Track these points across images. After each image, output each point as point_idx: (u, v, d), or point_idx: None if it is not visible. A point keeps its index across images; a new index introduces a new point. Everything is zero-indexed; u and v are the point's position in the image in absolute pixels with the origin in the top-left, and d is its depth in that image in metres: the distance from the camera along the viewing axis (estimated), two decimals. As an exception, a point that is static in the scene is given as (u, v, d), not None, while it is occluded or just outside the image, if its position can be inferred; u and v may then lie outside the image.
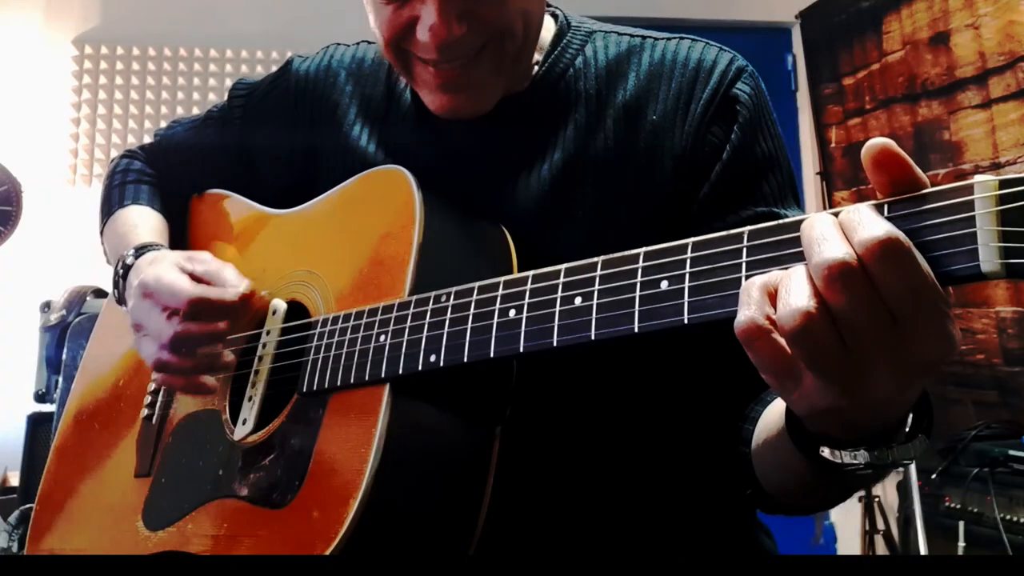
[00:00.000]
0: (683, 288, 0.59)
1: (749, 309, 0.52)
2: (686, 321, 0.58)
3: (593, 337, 0.64)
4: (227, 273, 0.89)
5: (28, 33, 3.29)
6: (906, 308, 0.48)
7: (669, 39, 0.91)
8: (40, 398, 2.42)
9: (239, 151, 1.08)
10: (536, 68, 0.91)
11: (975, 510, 2.27)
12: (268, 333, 0.90)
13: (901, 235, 0.48)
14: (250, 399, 0.88)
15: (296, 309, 0.91)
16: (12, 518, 2.20)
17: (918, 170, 0.51)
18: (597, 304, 0.64)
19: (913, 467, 2.32)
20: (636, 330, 0.61)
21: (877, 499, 2.92)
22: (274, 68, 1.10)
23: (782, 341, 0.51)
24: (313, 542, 0.71)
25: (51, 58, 3.31)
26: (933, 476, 2.39)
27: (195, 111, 3.36)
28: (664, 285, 0.60)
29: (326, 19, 3.46)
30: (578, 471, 0.86)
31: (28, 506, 2.13)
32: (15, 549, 2.13)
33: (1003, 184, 0.47)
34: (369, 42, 1.04)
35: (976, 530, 2.26)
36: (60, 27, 3.32)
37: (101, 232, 1.13)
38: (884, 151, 0.50)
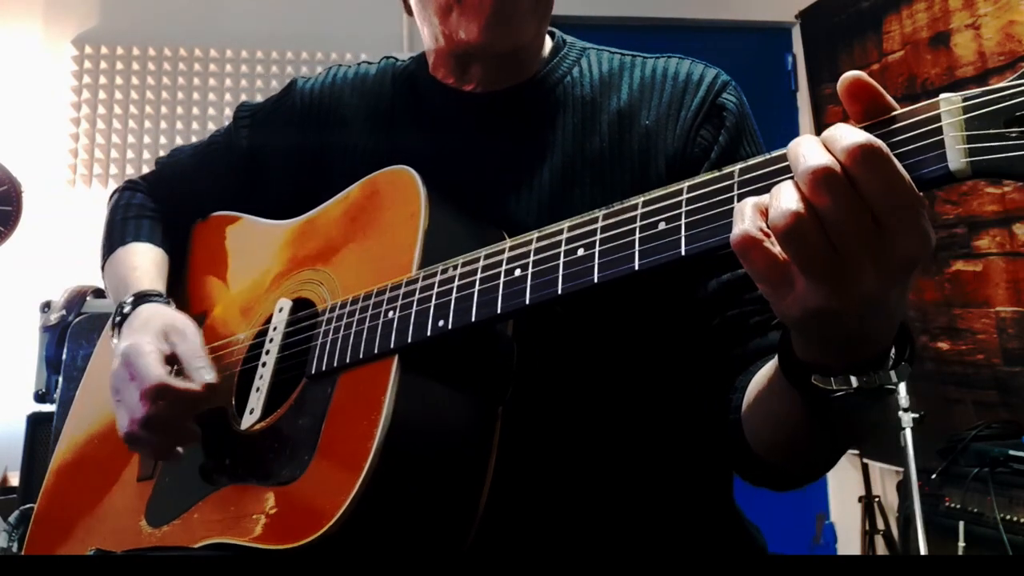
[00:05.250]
0: (680, 225, 0.62)
1: (743, 223, 0.56)
2: (683, 253, 0.62)
3: (596, 280, 0.66)
4: (197, 361, 0.90)
5: (28, 33, 3.29)
6: (884, 206, 0.52)
7: (658, 58, 0.99)
8: (40, 398, 2.42)
9: (247, 169, 1.10)
10: (537, 72, 0.98)
11: (975, 510, 2.27)
12: (275, 329, 0.91)
13: (878, 141, 0.53)
14: (257, 389, 0.89)
15: (303, 306, 0.92)
16: (12, 518, 2.19)
17: (889, 98, 0.56)
18: (599, 251, 0.66)
19: (913, 467, 2.32)
20: (636, 268, 0.64)
21: (877, 499, 2.92)
22: (275, 68, 1.11)
23: (775, 249, 0.55)
24: (322, 509, 0.72)
25: (51, 58, 3.31)
26: (933, 476, 2.39)
27: (195, 111, 3.38)
28: (662, 225, 0.63)
29: (325, 20, 3.46)
30: (575, 453, 0.88)
31: (28, 506, 2.12)
32: (15, 549, 2.13)
33: (966, 98, 0.53)
34: (369, 62, 1.08)
35: (976, 530, 2.26)
36: (60, 27, 3.32)
37: (102, 268, 1.15)
38: (857, 82, 0.56)
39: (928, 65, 2.87)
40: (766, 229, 0.55)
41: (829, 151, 0.54)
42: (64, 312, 2.35)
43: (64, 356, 2.17)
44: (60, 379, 2.25)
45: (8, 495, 2.54)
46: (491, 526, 0.77)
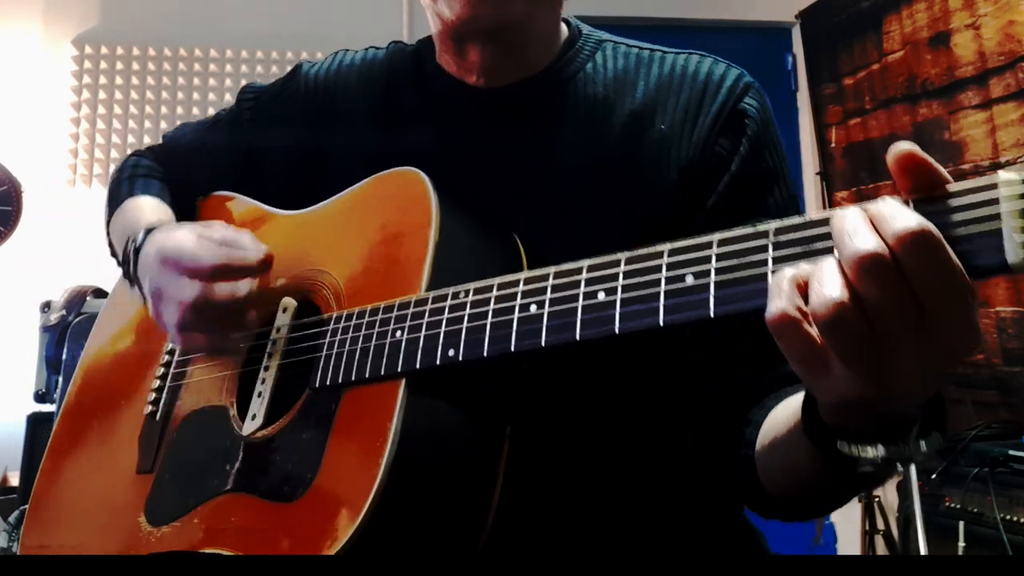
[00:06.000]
0: (709, 282, 0.59)
1: (780, 300, 0.53)
2: (712, 314, 0.59)
3: (617, 331, 0.63)
4: (245, 238, 0.89)
5: (28, 33, 3.30)
6: (934, 298, 0.49)
7: (678, 54, 0.93)
8: (40, 398, 2.42)
9: (248, 153, 1.07)
10: (547, 67, 0.94)
11: (975, 510, 2.27)
12: (278, 330, 0.90)
13: (932, 227, 0.49)
14: (259, 395, 0.88)
15: (307, 307, 0.90)
16: (12, 518, 2.20)
17: (941, 170, 0.52)
18: (621, 299, 0.64)
19: (913, 467, 2.32)
20: (661, 323, 0.61)
21: (877, 499, 2.92)
22: (275, 68, 1.11)
23: (813, 331, 0.52)
24: (325, 536, 0.71)
25: (51, 58, 3.31)
26: (933, 476, 2.39)
27: (195, 111, 3.38)
28: (690, 280, 0.60)
29: (325, 20, 3.46)
30: (583, 471, 0.87)
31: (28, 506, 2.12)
32: (15, 549, 2.13)
33: None
34: (376, 47, 1.05)
35: (976, 530, 2.26)
36: (60, 27, 3.33)
37: (107, 224, 1.12)
38: (910, 157, 0.51)
39: (928, 65, 2.87)
40: (804, 308, 0.52)
41: (877, 230, 0.50)
42: (64, 312, 2.35)
43: (64, 356, 2.17)
44: (60, 379, 2.26)
45: (8, 495, 2.54)
46: (497, 547, 0.76)
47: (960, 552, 2.26)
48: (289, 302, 0.91)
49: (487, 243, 0.85)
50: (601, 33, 0.98)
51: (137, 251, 0.96)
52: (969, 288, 0.49)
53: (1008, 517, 2.17)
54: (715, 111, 0.87)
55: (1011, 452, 2.24)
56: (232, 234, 0.90)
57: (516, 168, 0.91)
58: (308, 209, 0.98)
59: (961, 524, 2.29)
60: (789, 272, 0.54)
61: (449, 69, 0.96)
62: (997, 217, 0.49)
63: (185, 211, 1.12)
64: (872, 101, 3.14)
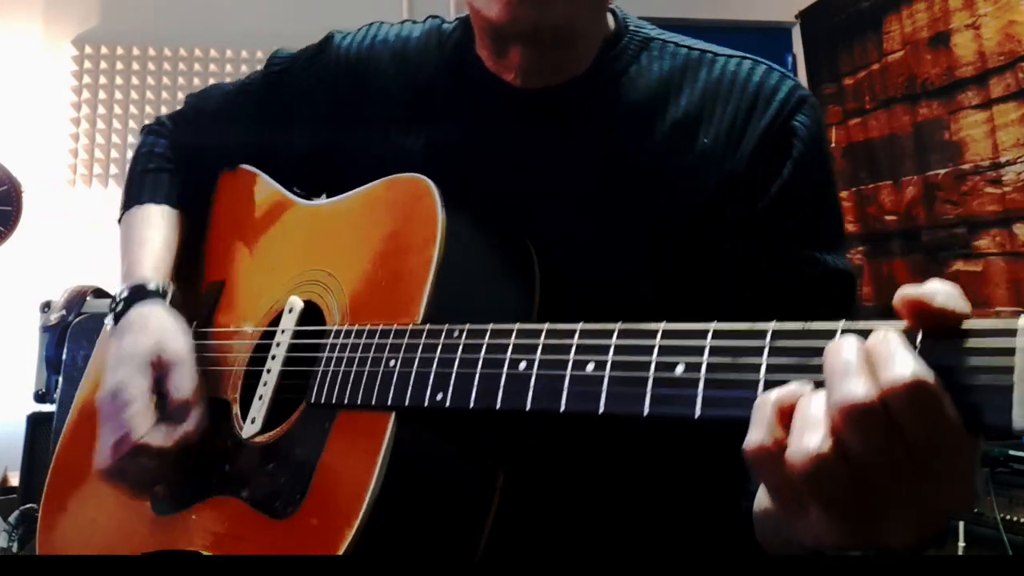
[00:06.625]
0: (698, 378, 0.56)
1: (760, 430, 0.49)
2: (696, 416, 0.56)
3: (601, 411, 0.62)
4: (180, 408, 0.88)
5: (28, 33, 3.30)
6: (925, 454, 0.45)
7: (730, 57, 0.88)
8: (40, 398, 2.42)
9: (273, 125, 1.05)
10: (590, 68, 0.90)
11: (975, 510, 2.27)
12: (283, 332, 0.91)
13: (929, 378, 0.44)
14: (260, 397, 0.88)
15: (311, 308, 0.91)
16: (12, 518, 2.20)
17: (956, 309, 0.46)
18: (609, 376, 0.62)
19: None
20: (645, 414, 0.59)
21: (877, 499, 2.92)
22: (275, 69, 1.09)
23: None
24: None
25: (51, 58, 3.32)
26: (933, 476, 2.38)
27: (195, 111, 3.39)
28: (679, 371, 0.58)
29: (326, 20, 3.46)
30: (577, 503, 0.86)
31: (28, 506, 2.12)
32: (15, 549, 2.13)
33: None
34: (413, 21, 1.02)
35: (976, 530, 2.26)
36: (60, 27, 3.33)
37: (120, 220, 1.12)
38: (916, 303, 0.47)
39: (928, 65, 2.87)
40: (784, 443, 0.48)
41: (873, 369, 0.46)
42: (64, 312, 2.35)
43: (64, 356, 2.17)
44: (60, 379, 2.26)
45: (8, 495, 2.54)
46: None
47: (960, 552, 2.26)
48: (295, 302, 0.91)
49: (498, 256, 0.84)
50: (650, 29, 0.93)
51: (118, 317, 0.96)
52: (965, 445, 0.45)
53: (1008, 517, 2.17)
54: (764, 125, 0.83)
55: (1011, 452, 2.24)
56: (175, 387, 0.89)
57: (548, 172, 0.88)
58: (323, 202, 0.98)
59: (961, 524, 2.28)
60: (774, 396, 0.50)
61: (487, 63, 0.92)
62: (1010, 371, 0.44)
63: (206, 185, 1.11)
64: (872, 101, 3.14)
